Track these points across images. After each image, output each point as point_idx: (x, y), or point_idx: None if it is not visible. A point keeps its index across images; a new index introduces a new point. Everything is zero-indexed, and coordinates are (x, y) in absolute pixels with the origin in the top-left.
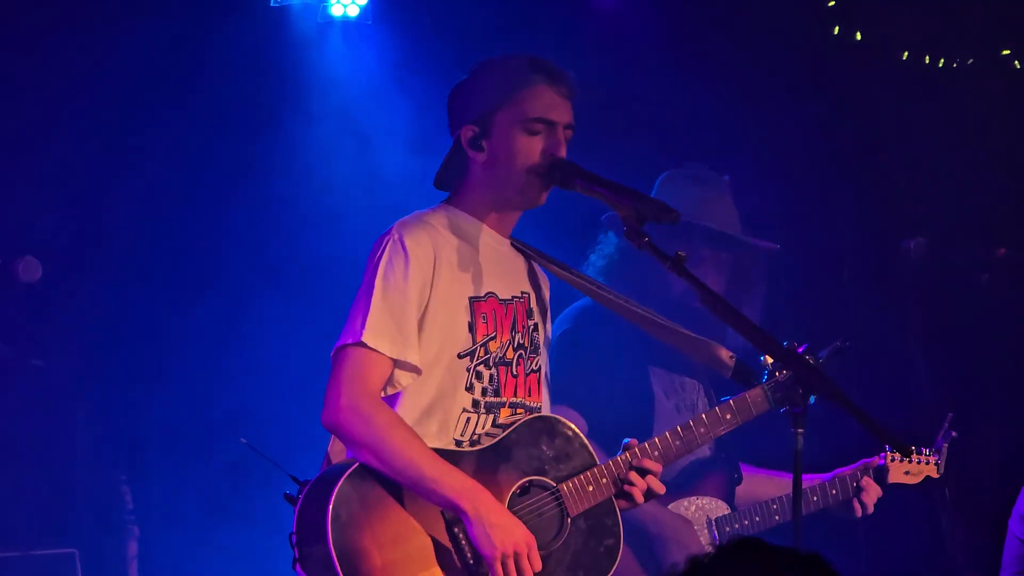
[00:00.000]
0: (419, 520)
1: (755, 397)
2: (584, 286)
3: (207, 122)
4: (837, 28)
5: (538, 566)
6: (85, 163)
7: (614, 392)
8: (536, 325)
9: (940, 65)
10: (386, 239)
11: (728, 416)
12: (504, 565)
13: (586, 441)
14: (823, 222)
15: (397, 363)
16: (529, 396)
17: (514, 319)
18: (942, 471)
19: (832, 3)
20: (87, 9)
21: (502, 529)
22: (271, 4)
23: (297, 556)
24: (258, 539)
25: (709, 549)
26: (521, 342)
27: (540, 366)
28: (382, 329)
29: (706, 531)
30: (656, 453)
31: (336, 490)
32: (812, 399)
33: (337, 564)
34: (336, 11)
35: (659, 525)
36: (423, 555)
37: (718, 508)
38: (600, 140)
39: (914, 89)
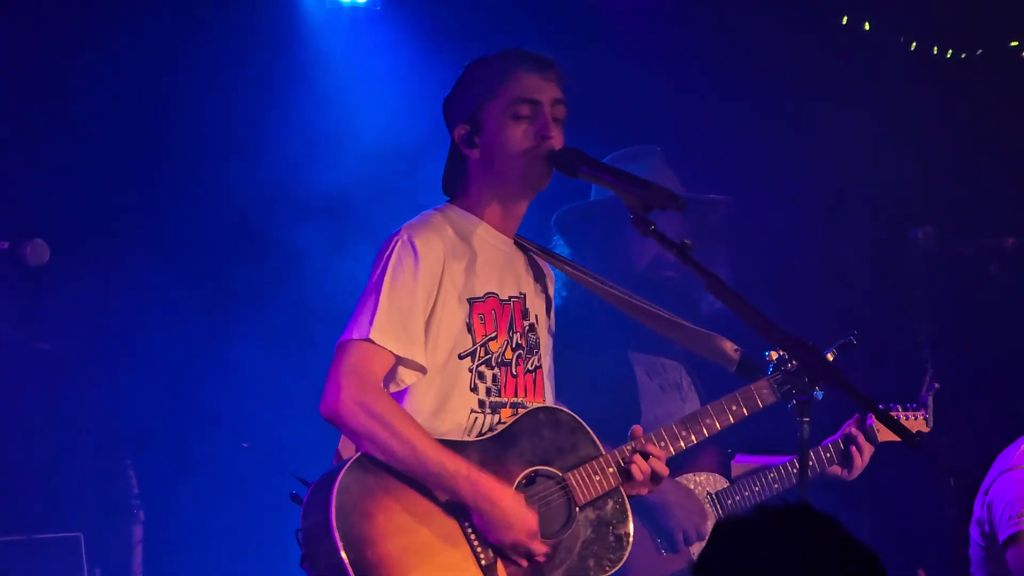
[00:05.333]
0: (425, 509)
1: (760, 389)
2: (589, 282)
3: (213, 107)
4: (846, 18)
5: (541, 548)
6: (93, 146)
7: (597, 378)
8: (532, 325)
9: (948, 56)
10: (395, 239)
11: (734, 407)
12: (513, 548)
13: (590, 431)
14: (830, 211)
15: (402, 361)
16: (527, 395)
17: (511, 319)
18: (931, 424)
19: None
20: None
21: (505, 513)
22: None
23: (304, 553)
24: (262, 525)
25: (712, 523)
26: (519, 342)
27: (539, 365)
28: (390, 326)
29: (708, 507)
30: (663, 443)
31: (338, 481)
32: (819, 393)
33: (343, 554)
34: None
35: (660, 493)
36: (430, 543)
37: (717, 482)
38: (602, 129)
39: (922, 80)
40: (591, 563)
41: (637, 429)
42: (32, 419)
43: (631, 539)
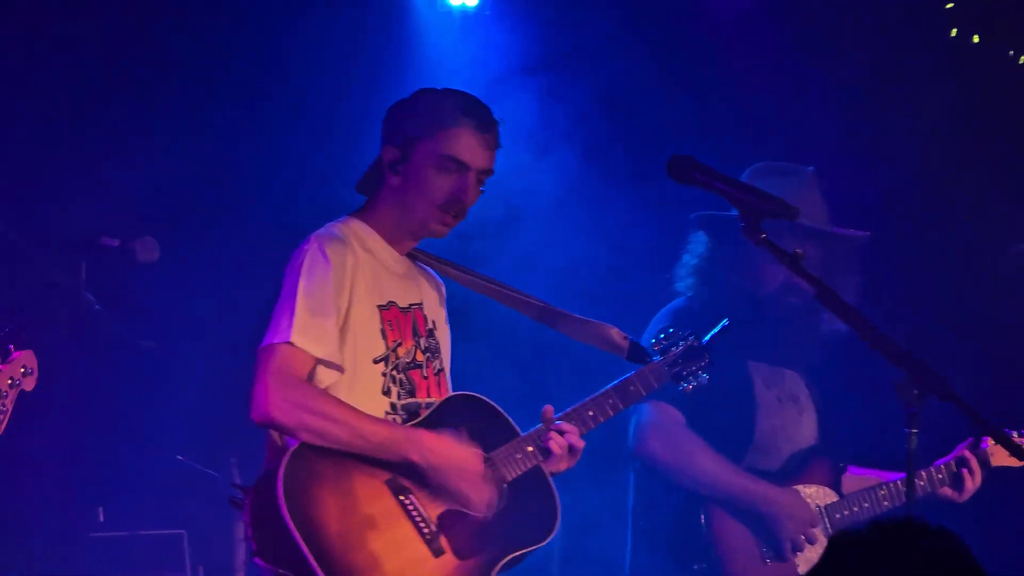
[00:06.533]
0: (364, 491)
1: (654, 369)
2: (478, 284)
3: (322, 107)
4: (955, 31)
5: (489, 488)
6: (205, 144)
7: (714, 385)
8: (431, 330)
9: None
10: (306, 248)
11: (631, 388)
12: (469, 489)
13: (505, 414)
14: (935, 224)
15: (321, 362)
16: (438, 396)
17: (414, 325)
18: None
19: (950, 5)
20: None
21: (451, 457)
22: None
23: (255, 548)
24: None
25: (821, 535)
26: (426, 346)
27: (441, 367)
28: (308, 329)
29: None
30: (573, 421)
31: (282, 471)
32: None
33: (298, 536)
34: (454, 1)
35: (769, 503)
36: (376, 521)
37: (826, 496)
38: (712, 136)
39: None
40: (523, 536)
41: (548, 410)
42: (136, 416)
43: (558, 515)
